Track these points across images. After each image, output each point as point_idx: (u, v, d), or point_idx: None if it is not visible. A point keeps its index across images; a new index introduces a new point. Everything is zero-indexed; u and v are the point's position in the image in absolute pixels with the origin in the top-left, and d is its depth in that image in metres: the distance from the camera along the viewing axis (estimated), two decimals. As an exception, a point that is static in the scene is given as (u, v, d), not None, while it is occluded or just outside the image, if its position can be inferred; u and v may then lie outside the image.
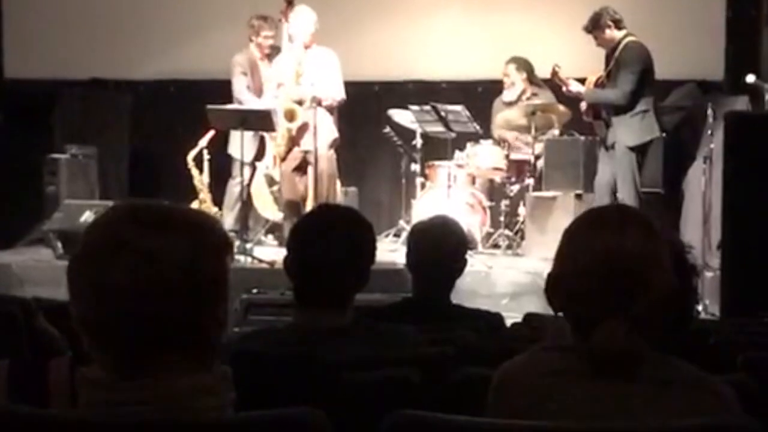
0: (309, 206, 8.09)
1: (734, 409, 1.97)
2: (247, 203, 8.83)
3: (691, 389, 1.97)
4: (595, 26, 8.10)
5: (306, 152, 8.34)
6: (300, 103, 8.29)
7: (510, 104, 9.26)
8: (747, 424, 1.84)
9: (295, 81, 8.31)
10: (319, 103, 8.24)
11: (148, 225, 1.69)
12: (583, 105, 8.38)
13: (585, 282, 1.95)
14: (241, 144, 8.29)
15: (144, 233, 1.68)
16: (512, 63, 9.32)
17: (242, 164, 8.57)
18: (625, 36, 8.08)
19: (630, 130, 8.00)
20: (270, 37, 8.98)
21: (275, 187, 8.83)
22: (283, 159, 8.49)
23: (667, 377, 1.97)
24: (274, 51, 8.97)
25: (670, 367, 1.99)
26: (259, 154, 8.94)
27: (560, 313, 2.03)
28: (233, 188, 9.00)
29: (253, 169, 8.94)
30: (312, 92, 8.22)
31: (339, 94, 8.41)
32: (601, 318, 1.93)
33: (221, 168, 9.01)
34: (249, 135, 8.50)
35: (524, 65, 9.31)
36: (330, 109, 8.41)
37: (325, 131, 8.31)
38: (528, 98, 9.22)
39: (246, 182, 8.74)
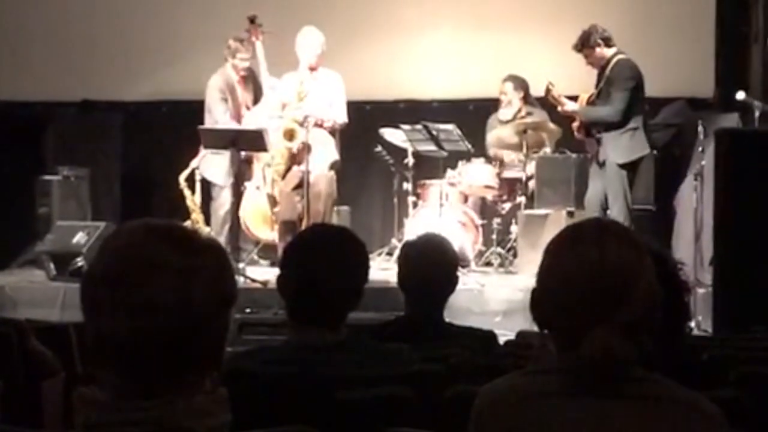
0: (304, 226, 8.06)
1: (722, 428, 1.98)
2: (235, 224, 8.77)
3: (677, 407, 1.97)
4: (584, 45, 8.09)
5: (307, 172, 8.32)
6: (301, 123, 8.30)
7: (506, 122, 9.25)
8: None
9: (297, 101, 8.32)
10: (321, 125, 8.26)
11: (177, 244, 1.70)
12: (575, 123, 8.38)
13: (570, 293, 1.96)
14: (230, 165, 8.24)
15: (177, 252, 1.69)
16: (510, 81, 9.30)
17: (233, 185, 8.49)
18: (615, 54, 8.08)
19: (619, 148, 8.00)
20: (245, 59, 8.89)
21: (277, 208, 8.58)
22: (282, 177, 8.47)
23: (652, 395, 1.97)
24: (249, 74, 8.96)
25: (655, 386, 1.99)
26: (244, 175, 8.88)
27: (545, 331, 2.04)
28: (218, 211, 8.91)
29: (238, 190, 8.81)
30: (308, 112, 8.23)
31: (341, 117, 8.45)
32: (588, 328, 1.94)
33: (213, 188, 8.99)
34: (224, 158, 8.43)
35: (521, 84, 9.27)
36: (332, 131, 8.43)
37: (327, 152, 8.33)
38: (522, 117, 9.21)
39: (231, 203, 8.63)
